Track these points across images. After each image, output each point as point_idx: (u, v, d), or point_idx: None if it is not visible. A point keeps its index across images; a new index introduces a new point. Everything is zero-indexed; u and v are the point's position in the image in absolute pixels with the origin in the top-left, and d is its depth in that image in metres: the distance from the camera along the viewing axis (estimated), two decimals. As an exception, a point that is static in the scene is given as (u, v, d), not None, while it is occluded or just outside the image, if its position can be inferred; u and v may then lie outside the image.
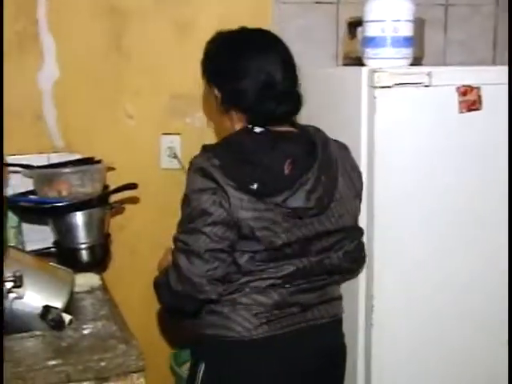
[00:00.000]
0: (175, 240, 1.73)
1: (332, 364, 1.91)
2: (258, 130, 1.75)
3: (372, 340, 2.01)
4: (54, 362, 1.66)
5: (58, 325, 1.81)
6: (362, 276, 2.03)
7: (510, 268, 2.06)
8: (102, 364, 1.66)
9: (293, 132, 1.81)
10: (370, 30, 2.02)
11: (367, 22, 2.03)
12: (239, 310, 1.74)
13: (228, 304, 1.75)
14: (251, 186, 1.66)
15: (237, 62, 1.76)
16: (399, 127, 1.96)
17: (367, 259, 1.98)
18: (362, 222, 2.00)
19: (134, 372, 1.69)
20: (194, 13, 2.45)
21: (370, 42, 2.02)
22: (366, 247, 1.96)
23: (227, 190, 1.66)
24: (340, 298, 1.94)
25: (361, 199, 1.93)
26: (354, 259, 1.91)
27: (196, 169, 1.70)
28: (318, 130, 1.87)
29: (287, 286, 1.77)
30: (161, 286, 1.78)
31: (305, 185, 1.72)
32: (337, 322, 1.92)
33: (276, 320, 1.76)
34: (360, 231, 1.93)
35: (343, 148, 1.92)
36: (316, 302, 1.84)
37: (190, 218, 1.69)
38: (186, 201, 1.71)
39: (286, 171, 1.71)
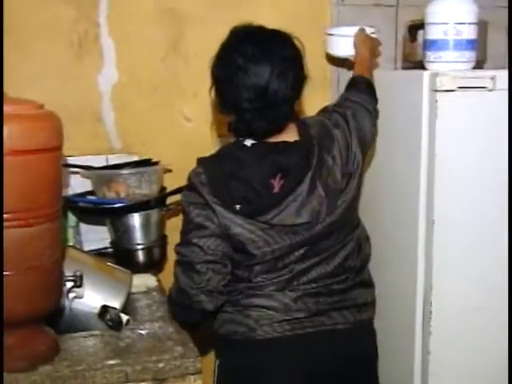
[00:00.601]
0: (175, 252, 1.79)
1: (351, 371, 1.86)
2: (248, 142, 1.74)
3: (430, 348, 1.98)
4: (112, 362, 1.68)
5: (116, 325, 1.83)
6: (420, 283, 2.01)
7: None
8: (160, 365, 1.67)
9: (288, 142, 1.76)
10: (432, 32, 1.99)
11: (429, 24, 2.00)
12: (248, 311, 1.77)
13: (236, 305, 1.79)
14: (235, 206, 1.69)
15: (224, 70, 1.73)
16: (461, 132, 1.92)
17: (425, 265, 1.95)
18: (421, 229, 1.98)
19: (192, 374, 1.69)
20: (252, 15, 2.42)
21: (431, 45, 1.99)
22: (414, 249, 1.98)
23: (214, 208, 1.69)
24: (368, 304, 1.91)
25: (359, 177, 1.88)
26: (357, 255, 1.90)
27: (189, 183, 1.76)
28: (318, 124, 1.84)
29: (291, 290, 1.78)
30: (168, 298, 1.87)
31: (295, 201, 1.70)
32: (361, 328, 1.89)
33: (283, 322, 1.76)
34: (357, 222, 1.93)
35: (327, 130, 1.83)
36: (330, 308, 1.81)
37: (186, 230, 1.75)
38: (184, 213, 1.77)
39: (276, 187, 1.69)
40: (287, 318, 1.77)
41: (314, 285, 1.79)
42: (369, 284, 1.94)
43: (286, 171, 1.70)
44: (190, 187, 1.75)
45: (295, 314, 1.78)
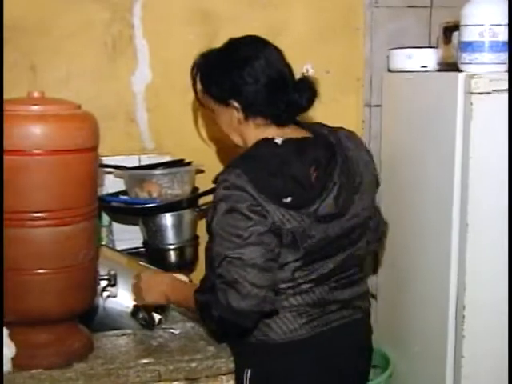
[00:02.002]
0: (222, 257, 1.64)
1: (366, 359, 1.90)
2: (278, 140, 1.72)
3: (463, 352, 1.97)
4: (145, 361, 1.70)
5: (149, 324, 1.84)
6: (453, 286, 2.00)
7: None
8: (193, 365, 1.68)
9: (310, 138, 1.78)
10: (467, 34, 1.97)
11: (464, 26, 1.98)
12: (282, 313, 1.72)
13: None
14: (285, 200, 1.65)
15: (243, 67, 1.73)
16: (496, 135, 1.91)
17: (459, 269, 1.94)
18: (455, 230, 1.97)
19: (224, 374, 1.70)
20: (286, 17, 2.45)
21: (466, 46, 1.97)
22: (448, 252, 1.97)
23: (261, 203, 1.63)
24: (368, 291, 1.94)
25: (379, 184, 1.95)
26: (377, 240, 1.94)
27: (229, 185, 1.65)
28: (326, 128, 1.84)
29: (326, 284, 1.75)
30: (210, 305, 1.65)
31: (332, 191, 1.71)
32: (367, 316, 1.91)
33: (317, 318, 1.74)
34: (377, 211, 1.95)
35: (353, 138, 1.87)
36: (351, 298, 1.81)
37: (238, 232, 1.63)
38: (226, 217, 1.64)
39: (312, 179, 1.70)
40: (323, 313, 1.75)
41: (343, 275, 1.79)
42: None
43: (319, 163, 1.72)
44: (232, 188, 1.65)
45: (329, 307, 1.77)
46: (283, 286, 1.70)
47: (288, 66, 1.78)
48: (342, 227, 1.75)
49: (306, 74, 1.84)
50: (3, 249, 1.52)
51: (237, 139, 1.83)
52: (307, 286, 1.72)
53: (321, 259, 1.74)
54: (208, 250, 1.75)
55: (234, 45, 1.80)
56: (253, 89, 1.72)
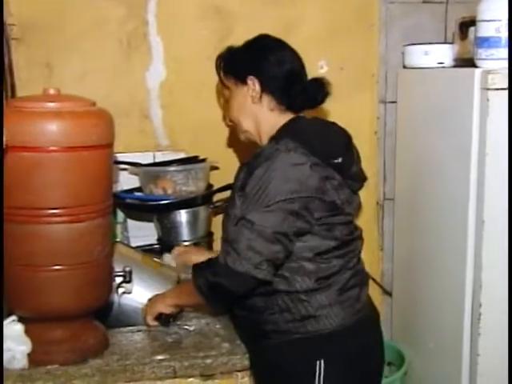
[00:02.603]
0: (238, 218, 1.64)
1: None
2: (307, 116, 1.80)
3: (479, 349, 1.95)
4: (161, 357, 1.69)
5: (164, 321, 1.83)
6: (469, 284, 1.99)
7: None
8: (208, 361, 1.68)
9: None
10: (484, 30, 1.96)
11: (481, 21, 1.97)
12: (341, 297, 1.71)
13: (332, 295, 1.71)
14: (336, 161, 1.68)
15: (267, 52, 1.78)
16: (513, 131, 1.89)
17: (475, 266, 1.93)
18: (471, 227, 1.96)
19: (239, 371, 1.69)
20: (300, 14, 2.44)
21: (483, 42, 1.96)
22: (464, 249, 1.99)
23: (312, 167, 1.63)
24: None
25: None
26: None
27: (279, 149, 1.64)
28: None
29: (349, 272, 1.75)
30: (206, 268, 1.68)
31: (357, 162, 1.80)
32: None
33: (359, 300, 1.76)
34: None
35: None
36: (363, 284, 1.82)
37: (265, 197, 1.60)
38: (267, 179, 1.61)
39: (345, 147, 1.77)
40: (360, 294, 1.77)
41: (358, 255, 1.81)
42: None
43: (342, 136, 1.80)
44: (282, 152, 1.63)
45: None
46: (334, 269, 1.70)
47: (304, 68, 1.83)
48: (353, 209, 1.79)
49: (321, 75, 1.84)
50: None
51: (247, 124, 1.83)
52: (346, 277, 1.74)
53: (348, 244, 1.75)
54: (227, 215, 1.75)
55: (261, 38, 1.84)
56: (273, 69, 1.77)
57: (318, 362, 1.68)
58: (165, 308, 1.83)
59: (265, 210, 1.60)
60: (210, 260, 1.71)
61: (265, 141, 1.78)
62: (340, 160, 1.70)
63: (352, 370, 1.72)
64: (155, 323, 1.84)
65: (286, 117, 1.77)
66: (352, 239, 1.76)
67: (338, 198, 1.68)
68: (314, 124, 1.78)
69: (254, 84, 1.77)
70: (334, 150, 1.71)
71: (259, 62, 1.78)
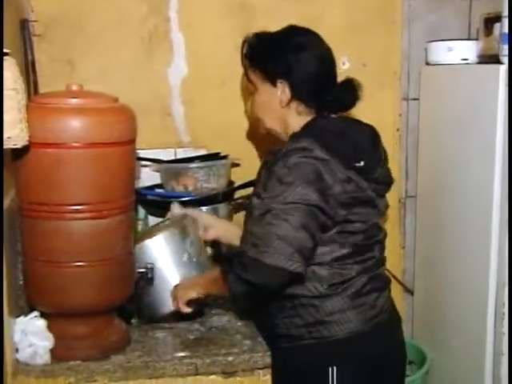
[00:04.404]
0: (267, 209, 1.61)
1: None
2: (332, 115, 1.76)
3: (503, 349, 1.93)
4: (182, 354, 1.69)
5: (197, 307, 1.82)
6: (492, 283, 1.96)
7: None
8: (229, 359, 1.67)
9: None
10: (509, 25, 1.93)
11: (506, 17, 1.95)
12: (360, 300, 1.70)
13: (349, 299, 1.69)
14: (357, 164, 1.65)
15: (300, 51, 1.73)
16: (538, 128, 1.87)
17: (498, 265, 1.91)
18: (495, 226, 1.94)
19: (260, 369, 1.69)
20: (322, 9, 2.43)
21: (508, 38, 1.93)
22: (487, 247, 1.98)
23: (333, 167, 1.61)
24: None
25: None
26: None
27: (299, 149, 1.62)
28: None
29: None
30: (236, 265, 1.64)
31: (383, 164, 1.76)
32: None
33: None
34: None
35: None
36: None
37: (289, 194, 1.59)
38: (289, 176, 1.60)
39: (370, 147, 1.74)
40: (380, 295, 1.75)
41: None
42: None
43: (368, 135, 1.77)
44: (303, 151, 1.61)
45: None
46: (354, 270, 1.69)
47: (335, 66, 1.79)
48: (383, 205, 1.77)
49: (343, 71, 1.82)
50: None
51: (271, 123, 1.80)
52: (364, 281, 1.72)
53: (368, 249, 1.73)
54: (250, 211, 1.73)
55: (293, 30, 1.79)
56: (305, 72, 1.72)
57: (330, 369, 1.67)
58: (197, 294, 1.77)
59: (288, 205, 1.58)
60: (236, 257, 1.66)
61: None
62: (362, 164, 1.66)
63: (366, 378, 1.70)
64: (188, 309, 1.79)
65: (312, 116, 1.75)
66: (373, 243, 1.73)
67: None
68: (338, 124, 1.74)
69: (284, 89, 1.74)
70: (356, 153, 1.67)
71: (291, 64, 1.73)
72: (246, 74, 1.85)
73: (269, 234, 1.58)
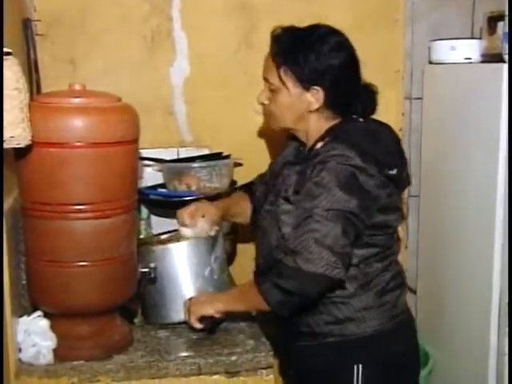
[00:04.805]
0: (306, 215, 1.57)
1: None
2: (359, 119, 1.72)
3: (506, 350, 1.93)
4: (185, 354, 1.69)
5: (210, 325, 1.76)
6: (496, 282, 1.96)
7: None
8: (233, 358, 1.67)
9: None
10: (513, 24, 1.93)
11: (509, 16, 1.94)
12: (387, 297, 1.70)
13: (377, 295, 1.69)
14: (391, 171, 1.63)
15: (335, 55, 1.69)
16: (542, 127, 1.87)
17: (502, 264, 1.90)
18: (498, 225, 1.93)
19: (264, 368, 1.68)
20: (325, 8, 2.42)
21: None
22: (491, 246, 1.97)
23: (370, 174, 1.59)
24: None
25: None
26: None
27: (337, 155, 1.59)
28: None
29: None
30: (274, 277, 1.58)
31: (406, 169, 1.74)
32: None
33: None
34: None
35: None
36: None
37: (324, 202, 1.56)
38: (326, 184, 1.57)
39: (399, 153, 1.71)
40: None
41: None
42: None
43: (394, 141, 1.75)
44: (343, 159, 1.58)
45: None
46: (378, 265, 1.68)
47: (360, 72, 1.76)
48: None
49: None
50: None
51: (291, 123, 1.74)
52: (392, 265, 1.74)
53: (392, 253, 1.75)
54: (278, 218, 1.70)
55: (322, 30, 1.73)
56: (341, 78, 1.68)
57: (355, 366, 1.65)
58: (213, 312, 1.69)
59: (328, 212, 1.55)
60: (273, 268, 1.60)
61: (312, 141, 1.72)
62: (395, 171, 1.64)
63: (390, 376, 1.69)
64: (199, 326, 1.72)
65: (337, 120, 1.72)
66: (393, 242, 1.74)
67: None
68: (368, 128, 1.70)
69: (317, 95, 1.69)
70: (388, 158, 1.65)
71: (327, 71, 1.67)
72: (266, 68, 1.76)
73: (309, 240, 1.54)
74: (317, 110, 1.70)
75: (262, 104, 1.79)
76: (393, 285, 1.71)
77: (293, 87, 1.69)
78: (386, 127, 1.74)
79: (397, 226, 1.73)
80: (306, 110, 1.70)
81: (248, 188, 2.05)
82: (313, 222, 1.56)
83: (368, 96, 1.75)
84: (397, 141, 1.74)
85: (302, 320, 1.70)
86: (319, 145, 1.68)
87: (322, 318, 1.68)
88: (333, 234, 1.54)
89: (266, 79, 1.76)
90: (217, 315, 1.70)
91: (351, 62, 1.72)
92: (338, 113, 1.71)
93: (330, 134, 1.68)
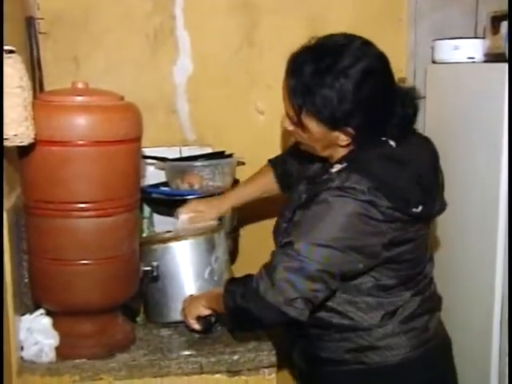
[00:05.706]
0: (291, 242, 1.48)
1: None
2: (392, 143, 1.54)
3: (507, 350, 1.93)
4: (187, 353, 1.69)
5: (205, 323, 1.75)
6: (498, 283, 1.96)
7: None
8: (235, 357, 1.67)
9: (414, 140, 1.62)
10: (517, 24, 1.93)
11: (510, 16, 1.94)
12: (407, 325, 1.59)
13: (399, 323, 1.59)
14: (414, 209, 1.48)
15: (360, 85, 1.47)
16: (545, 127, 1.86)
17: (504, 266, 1.90)
18: (501, 225, 1.93)
19: (266, 367, 1.68)
20: (327, 7, 2.42)
21: (515, 37, 1.93)
22: (493, 247, 1.96)
23: (380, 211, 1.45)
24: None
25: None
26: None
27: (347, 188, 1.46)
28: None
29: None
30: (236, 289, 1.56)
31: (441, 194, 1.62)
32: None
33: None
34: None
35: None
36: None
37: (324, 232, 1.46)
38: (329, 216, 1.46)
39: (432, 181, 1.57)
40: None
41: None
42: None
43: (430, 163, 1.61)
44: (354, 194, 1.45)
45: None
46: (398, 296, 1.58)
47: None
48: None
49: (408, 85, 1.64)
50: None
51: (318, 150, 1.61)
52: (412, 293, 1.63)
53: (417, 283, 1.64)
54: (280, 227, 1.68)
55: (338, 51, 1.50)
56: (371, 109, 1.50)
57: None
58: (203, 310, 1.70)
59: (316, 243, 1.45)
60: (245, 278, 1.56)
61: (334, 160, 1.60)
62: (420, 209, 1.48)
63: None
64: (197, 326, 1.72)
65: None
66: (424, 265, 1.63)
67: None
68: (393, 156, 1.51)
69: (346, 132, 1.52)
70: (414, 196, 1.48)
71: (354, 111, 1.48)
72: (284, 100, 1.56)
73: (279, 270, 1.46)
74: (345, 146, 1.56)
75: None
76: (421, 310, 1.61)
77: (316, 127, 1.53)
78: (420, 150, 1.59)
79: (422, 252, 1.61)
80: (335, 142, 1.56)
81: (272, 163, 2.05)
82: (292, 251, 1.46)
83: (405, 111, 1.56)
84: (435, 161, 1.60)
85: (323, 346, 1.63)
86: (335, 169, 1.54)
87: (342, 345, 1.59)
88: (305, 274, 1.44)
89: (286, 112, 1.59)
90: (208, 312, 1.70)
91: (383, 84, 1.52)
92: (370, 141, 1.54)
93: (348, 160, 1.53)
